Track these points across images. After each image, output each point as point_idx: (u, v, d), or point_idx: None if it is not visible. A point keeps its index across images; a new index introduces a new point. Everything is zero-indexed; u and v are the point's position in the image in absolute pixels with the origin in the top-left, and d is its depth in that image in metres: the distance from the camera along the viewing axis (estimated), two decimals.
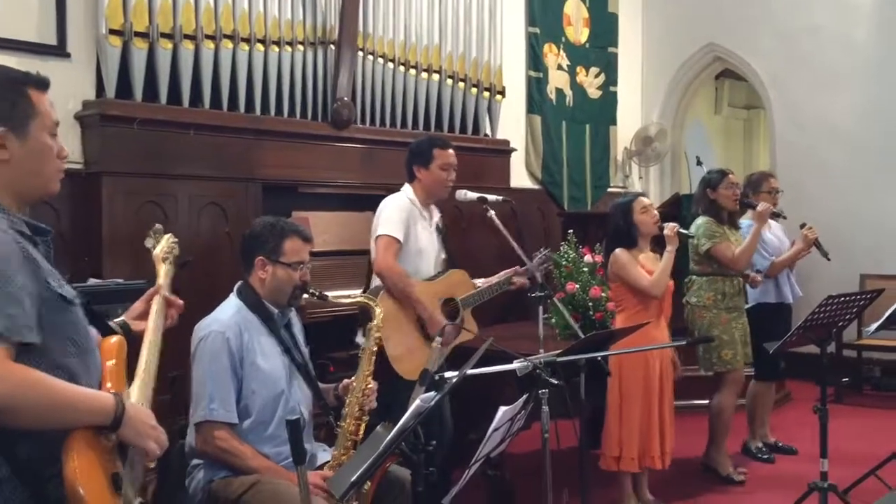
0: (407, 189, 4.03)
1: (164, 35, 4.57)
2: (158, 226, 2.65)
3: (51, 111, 1.88)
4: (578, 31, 7.86)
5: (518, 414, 2.71)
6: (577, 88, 7.84)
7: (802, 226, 5.19)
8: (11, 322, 1.64)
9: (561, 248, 5.13)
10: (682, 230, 4.21)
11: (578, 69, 7.84)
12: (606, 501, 4.31)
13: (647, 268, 4.13)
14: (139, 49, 4.48)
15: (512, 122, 7.05)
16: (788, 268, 5.21)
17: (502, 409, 2.58)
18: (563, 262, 5.05)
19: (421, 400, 2.21)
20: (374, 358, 3.09)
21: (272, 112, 5.11)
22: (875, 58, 7.31)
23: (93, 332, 1.97)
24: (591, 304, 4.89)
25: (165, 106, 4.62)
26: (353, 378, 3.07)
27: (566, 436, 3.27)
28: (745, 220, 5.05)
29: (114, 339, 1.98)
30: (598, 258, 4.97)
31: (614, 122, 8.25)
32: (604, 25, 8.13)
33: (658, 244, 4.26)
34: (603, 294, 4.83)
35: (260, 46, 4.99)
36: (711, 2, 8.20)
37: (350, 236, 5.25)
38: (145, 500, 1.94)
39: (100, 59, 4.47)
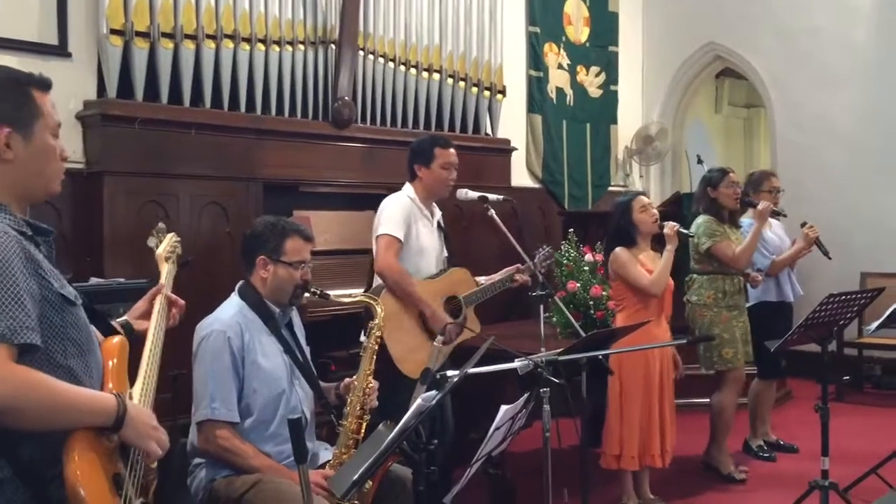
0: (408, 188, 4.03)
1: (165, 35, 4.58)
2: (162, 225, 2.65)
3: (53, 112, 1.88)
4: (579, 31, 7.86)
5: (519, 413, 2.71)
6: (578, 87, 7.84)
7: (803, 225, 5.19)
8: (13, 323, 1.65)
9: (562, 247, 5.13)
10: (681, 229, 4.21)
11: (579, 68, 7.85)
12: (607, 500, 4.32)
13: (648, 266, 4.13)
14: (140, 49, 4.49)
15: (512, 122, 7.05)
16: (789, 266, 5.21)
17: (503, 407, 2.59)
18: (564, 261, 5.05)
19: (422, 399, 2.22)
20: (375, 357, 3.09)
21: (273, 112, 5.11)
22: (874, 58, 7.32)
23: (95, 332, 1.97)
24: (591, 302, 4.89)
25: (166, 106, 4.63)
26: (354, 377, 3.07)
27: (567, 434, 3.27)
28: (746, 219, 5.05)
29: (115, 339, 1.99)
30: (599, 257, 4.97)
31: (615, 121, 8.25)
32: (604, 24, 8.14)
33: (659, 243, 4.26)
34: (604, 293, 4.83)
35: (261, 46, 4.99)
36: (712, 1, 8.20)
37: (351, 235, 5.26)
38: (147, 501, 1.94)
39: (101, 58, 4.48)
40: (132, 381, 2.02)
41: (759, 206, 4.88)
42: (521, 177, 7.14)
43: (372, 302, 3.21)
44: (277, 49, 5.07)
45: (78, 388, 1.76)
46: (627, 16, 8.43)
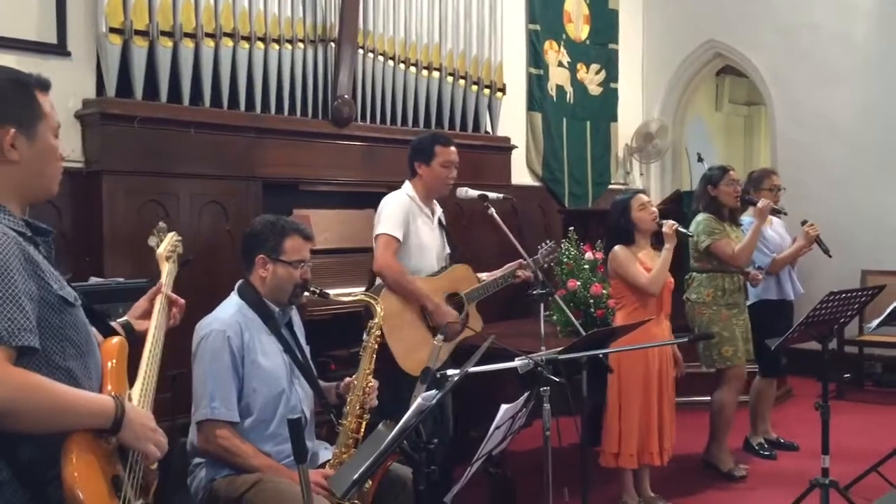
0: (407, 186, 4.03)
1: (164, 33, 4.57)
2: (162, 224, 2.64)
3: (53, 112, 1.89)
4: (579, 28, 7.85)
5: (519, 411, 2.71)
6: (578, 85, 7.83)
7: (804, 223, 5.19)
8: (11, 326, 1.64)
9: (562, 246, 5.13)
10: (680, 228, 4.21)
11: (579, 66, 7.84)
12: (607, 498, 4.32)
13: (647, 265, 4.13)
14: (139, 47, 4.48)
15: (512, 120, 7.04)
16: (790, 264, 5.21)
17: (504, 406, 2.58)
18: (565, 260, 5.05)
19: (422, 398, 2.21)
20: (374, 356, 3.09)
21: (273, 110, 5.10)
22: (875, 55, 7.31)
23: (94, 332, 1.97)
24: (592, 301, 4.90)
25: (166, 104, 4.62)
26: (354, 376, 3.07)
27: (567, 433, 3.27)
28: (747, 217, 5.05)
29: (115, 339, 1.98)
30: (599, 255, 4.98)
31: (615, 119, 8.24)
32: (604, 22, 8.13)
33: (658, 241, 4.26)
34: (604, 291, 4.83)
35: (260, 44, 4.98)
36: None
37: (351, 234, 5.25)
38: (147, 501, 1.94)
39: (100, 57, 4.47)
40: (132, 381, 2.02)
41: (759, 204, 4.88)
42: (521, 175, 7.14)
43: (371, 301, 3.21)
44: (277, 47, 5.06)
45: (76, 391, 1.76)
46: (627, 13, 8.42)
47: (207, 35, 4.74)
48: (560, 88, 7.64)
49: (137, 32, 4.47)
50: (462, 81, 6.29)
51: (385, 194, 4.04)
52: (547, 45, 7.49)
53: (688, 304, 4.87)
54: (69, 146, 4.24)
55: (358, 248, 5.01)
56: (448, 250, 4.16)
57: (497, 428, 2.60)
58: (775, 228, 5.26)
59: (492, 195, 4.09)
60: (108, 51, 4.40)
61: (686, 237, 4.45)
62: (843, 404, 6.38)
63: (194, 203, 4.66)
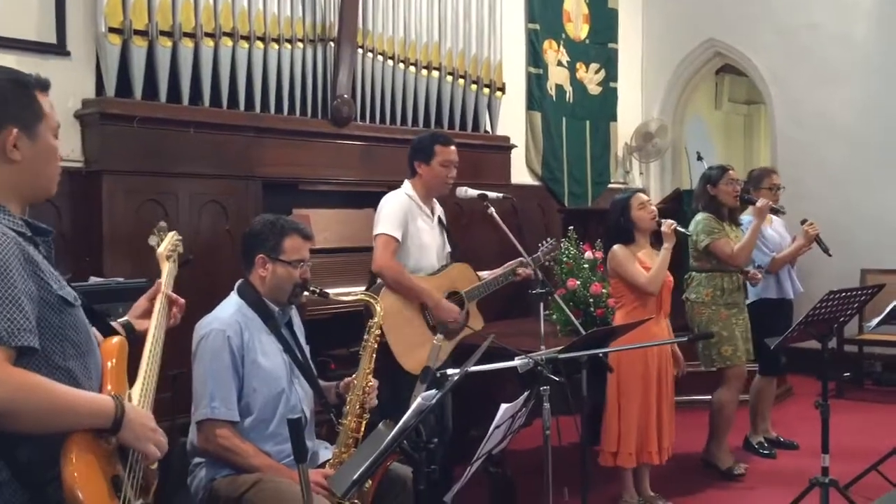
0: (406, 185, 4.03)
1: (163, 33, 4.57)
2: (163, 223, 2.64)
3: (53, 113, 1.89)
4: (578, 28, 7.85)
5: (519, 411, 2.71)
6: (577, 85, 7.83)
7: (803, 222, 5.19)
8: (11, 326, 1.64)
9: (562, 245, 5.13)
10: (679, 228, 4.21)
11: (578, 65, 7.84)
12: (607, 498, 4.32)
13: (646, 264, 4.14)
14: (139, 47, 4.48)
15: (512, 119, 7.04)
16: (790, 263, 5.21)
17: (504, 406, 2.58)
18: (564, 259, 5.05)
19: (422, 398, 2.21)
20: (374, 355, 3.09)
21: (272, 110, 5.10)
22: (874, 54, 7.31)
23: (94, 332, 1.96)
24: (591, 300, 4.90)
25: (165, 104, 4.62)
26: (353, 375, 3.07)
27: (567, 432, 3.27)
28: (746, 216, 5.05)
29: (114, 339, 1.98)
30: (599, 254, 4.97)
31: (614, 118, 8.24)
32: (604, 21, 8.13)
33: (658, 240, 4.26)
34: (604, 290, 4.83)
35: (259, 44, 4.98)
36: None
37: (350, 233, 5.25)
38: (147, 501, 1.94)
39: (99, 57, 4.47)
40: (132, 381, 2.02)
41: (758, 203, 4.88)
42: (520, 174, 7.13)
43: (371, 300, 3.21)
44: (276, 47, 5.06)
45: (76, 391, 1.75)
46: (627, 12, 8.42)
47: (207, 35, 4.74)
48: (559, 88, 7.64)
49: (137, 32, 4.47)
50: (461, 81, 6.29)
51: (384, 194, 4.04)
52: (546, 44, 7.49)
53: (687, 304, 4.87)
54: (69, 146, 4.25)
55: (358, 247, 5.01)
56: (449, 249, 4.16)
57: (497, 427, 2.60)
58: (775, 227, 5.26)
59: (491, 194, 4.09)
60: (107, 51, 4.40)
61: (685, 237, 4.45)
62: (842, 403, 6.38)
63: (194, 203, 4.66)
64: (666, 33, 8.56)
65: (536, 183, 7.42)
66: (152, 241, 2.58)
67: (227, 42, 4.83)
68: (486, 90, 6.51)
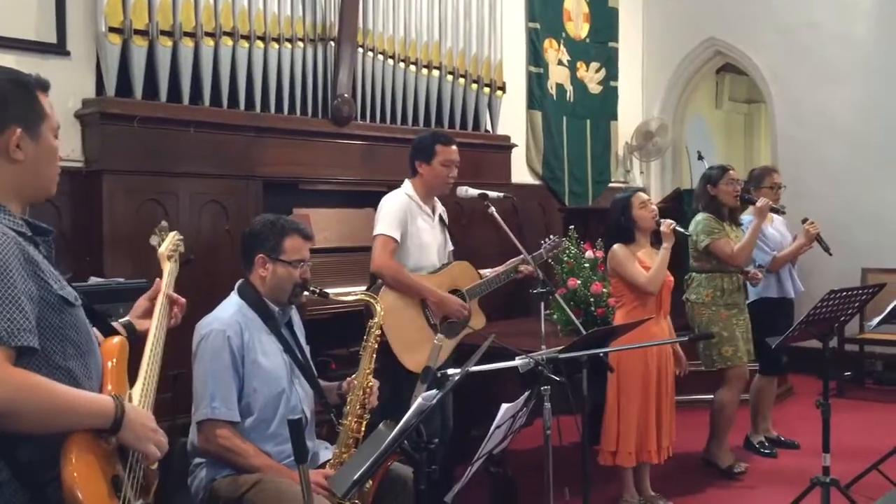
0: (407, 185, 4.03)
1: (163, 33, 4.56)
2: (164, 223, 2.64)
3: (53, 113, 1.89)
4: (579, 27, 7.85)
5: (520, 411, 2.71)
6: (578, 84, 7.83)
7: (804, 221, 5.19)
8: (11, 326, 1.64)
9: (563, 243, 5.12)
10: (678, 228, 4.20)
11: (579, 64, 7.83)
12: (608, 497, 4.32)
13: (646, 263, 4.13)
14: (139, 47, 4.48)
15: (512, 118, 7.04)
16: (791, 262, 5.21)
17: (504, 406, 2.58)
18: (565, 258, 5.05)
19: (423, 398, 2.21)
20: (374, 355, 3.09)
21: (272, 109, 5.10)
22: (874, 53, 7.31)
23: (95, 332, 1.96)
24: (592, 300, 4.89)
25: (165, 104, 4.62)
26: (353, 375, 3.07)
27: (568, 432, 3.27)
28: (747, 216, 5.05)
29: (115, 339, 1.98)
30: (600, 254, 4.97)
31: (615, 118, 8.24)
32: (604, 20, 8.12)
33: (658, 240, 4.26)
34: (604, 290, 4.83)
35: (260, 43, 4.97)
36: None
37: (351, 233, 5.25)
38: (148, 501, 1.94)
39: (99, 57, 4.47)
40: (133, 381, 2.02)
41: (758, 203, 4.87)
42: (521, 173, 7.13)
43: (371, 300, 3.21)
44: (276, 46, 5.06)
45: (76, 391, 1.75)
46: (627, 11, 8.42)
47: (207, 34, 4.74)
48: (560, 87, 7.64)
49: (137, 32, 4.46)
50: (462, 80, 6.29)
51: (385, 193, 4.04)
52: (547, 43, 7.48)
53: (687, 305, 4.87)
54: (69, 146, 4.25)
55: (358, 247, 5.01)
56: (451, 247, 4.16)
57: (498, 427, 2.60)
58: (776, 226, 5.25)
59: (492, 194, 4.08)
60: (107, 50, 4.40)
61: (684, 237, 4.45)
62: (843, 402, 6.37)
63: (194, 202, 4.66)
64: (666, 32, 8.56)
65: (537, 182, 7.42)
66: (153, 240, 2.57)
67: (227, 42, 4.83)
68: (487, 89, 6.51)
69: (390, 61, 5.77)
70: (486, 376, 2.79)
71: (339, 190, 5.49)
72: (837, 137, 7.48)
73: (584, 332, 3.64)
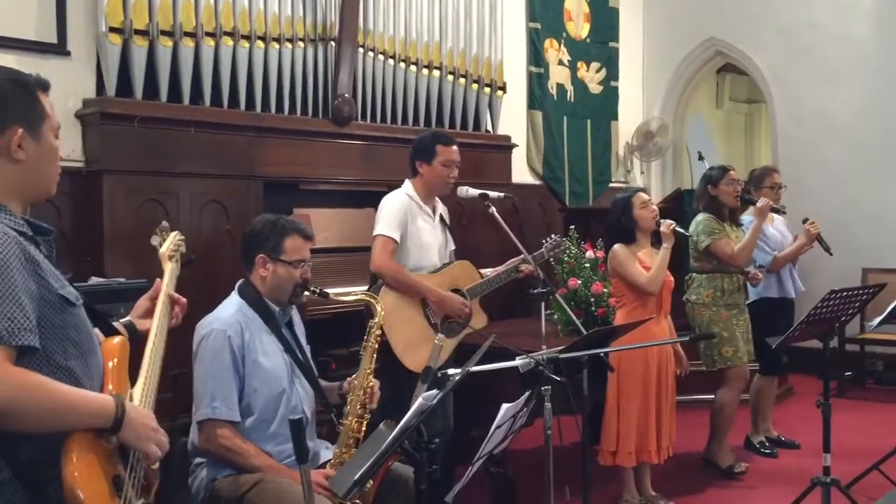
0: (407, 185, 4.03)
1: (164, 33, 4.57)
2: (165, 223, 2.64)
3: (54, 113, 1.89)
4: (579, 27, 7.85)
5: (521, 411, 2.71)
6: (578, 84, 7.83)
7: (805, 221, 5.18)
8: (11, 325, 1.64)
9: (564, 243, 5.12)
10: (678, 228, 4.20)
11: (579, 64, 7.83)
12: (609, 497, 4.32)
13: (646, 263, 4.13)
14: (139, 47, 4.48)
15: (513, 118, 7.04)
16: (791, 262, 5.20)
17: (505, 406, 2.58)
18: (566, 258, 5.05)
19: (423, 398, 2.21)
20: (375, 355, 3.09)
21: (273, 109, 5.10)
22: (875, 53, 7.31)
23: (96, 332, 1.96)
24: (593, 300, 4.89)
25: (166, 104, 4.62)
26: (354, 375, 3.07)
27: (569, 432, 3.27)
28: (747, 217, 5.04)
29: (116, 339, 1.98)
30: (600, 254, 4.97)
31: (615, 118, 8.24)
32: (604, 20, 8.12)
33: (658, 239, 4.26)
34: (605, 290, 4.83)
35: (260, 43, 4.98)
36: None
37: (351, 233, 5.25)
38: (148, 501, 1.94)
39: (100, 57, 4.47)
40: (133, 381, 2.02)
41: (759, 203, 4.87)
42: (521, 173, 7.13)
43: (372, 300, 3.21)
44: (277, 46, 5.06)
45: (77, 390, 1.75)
46: (628, 11, 8.42)
47: (207, 34, 4.74)
48: (560, 87, 7.64)
49: (137, 32, 4.47)
50: (462, 80, 6.29)
51: (385, 193, 4.04)
52: (547, 43, 7.49)
53: (688, 305, 4.87)
54: (69, 146, 4.25)
55: (358, 247, 5.01)
56: (452, 247, 4.16)
57: (498, 427, 2.60)
58: (777, 226, 5.25)
59: (492, 194, 4.08)
60: (107, 50, 4.40)
61: (683, 237, 4.45)
62: (844, 402, 6.37)
63: (194, 202, 4.66)
64: (667, 32, 8.56)
65: (537, 182, 7.42)
66: (155, 241, 2.57)
67: (227, 42, 4.83)
68: (487, 89, 6.51)
69: (391, 61, 5.77)
70: (487, 376, 2.79)
71: (339, 190, 5.50)
72: (838, 137, 7.48)
73: (584, 332, 3.64)
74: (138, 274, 3.97)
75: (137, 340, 2.19)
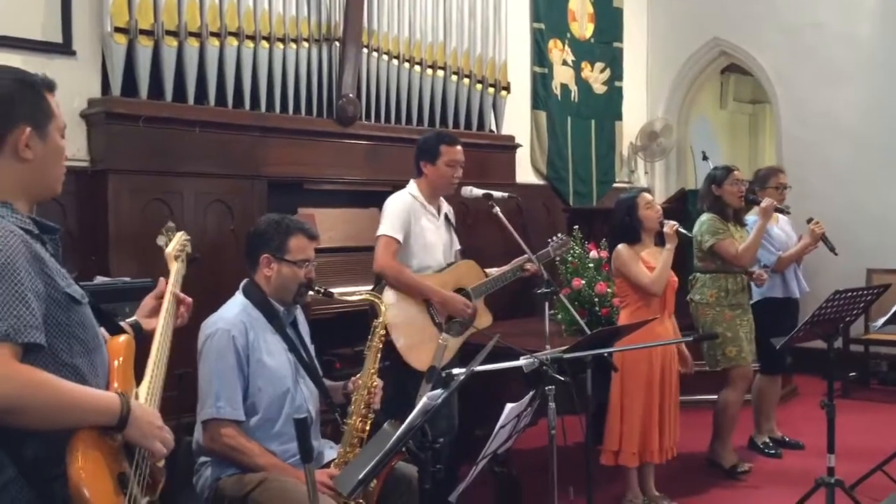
0: (411, 185, 4.03)
1: (169, 33, 4.57)
2: (171, 223, 2.65)
3: (60, 113, 1.90)
4: (583, 27, 7.85)
5: (525, 410, 2.71)
6: (582, 84, 7.82)
7: (809, 221, 5.18)
8: (17, 323, 1.65)
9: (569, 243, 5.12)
10: (681, 229, 4.20)
11: (583, 64, 7.83)
12: (612, 497, 4.32)
13: (650, 263, 4.13)
14: (144, 47, 4.49)
15: (517, 118, 7.04)
16: (796, 263, 5.20)
17: (509, 405, 2.58)
18: (569, 258, 5.04)
19: (428, 397, 2.21)
20: (379, 355, 3.10)
21: (277, 109, 5.11)
22: (879, 53, 7.30)
23: (101, 331, 1.97)
24: (596, 300, 4.89)
25: (171, 103, 4.63)
26: (358, 375, 3.07)
27: (573, 432, 3.27)
28: (751, 217, 5.04)
29: (121, 338, 1.99)
30: (604, 254, 4.96)
31: (619, 118, 8.23)
32: (609, 20, 8.12)
33: (662, 239, 4.26)
34: (609, 290, 4.82)
35: (265, 43, 4.99)
36: None
37: (355, 233, 5.26)
38: (154, 500, 1.94)
39: (105, 56, 4.48)
40: (139, 379, 2.02)
41: (763, 204, 4.86)
42: (525, 173, 7.14)
43: (376, 300, 3.21)
44: (282, 46, 5.07)
45: (82, 388, 1.76)
46: (632, 12, 8.41)
47: (212, 34, 4.75)
48: (564, 87, 7.63)
49: (142, 32, 4.47)
50: (466, 80, 6.29)
51: (390, 193, 4.04)
52: (551, 43, 7.49)
53: (692, 305, 4.87)
54: (74, 145, 4.26)
55: (363, 246, 5.01)
56: (458, 247, 4.16)
57: (502, 427, 2.60)
58: (781, 226, 5.25)
59: (496, 194, 4.09)
60: (113, 50, 4.41)
61: (686, 238, 4.44)
62: (848, 403, 6.36)
63: (199, 202, 4.67)
64: (671, 32, 8.55)
65: (541, 182, 7.42)
66: (160, 241, 2.58)
67: (232, 42, 4.84)
68: (491, 89, 6.51)
69: (395, 61, 5.78)
70: (491, 376, 2.79)
71: (343, 190, 5.50)
72: (842, 138, 7.47)
73: (588, 332, 3.64)
74: (143, 273, 3.98)
75: (143, 340, 2.20)
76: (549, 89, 7.45)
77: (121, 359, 1.93)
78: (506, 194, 4.19)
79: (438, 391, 2.28)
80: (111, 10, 4.39)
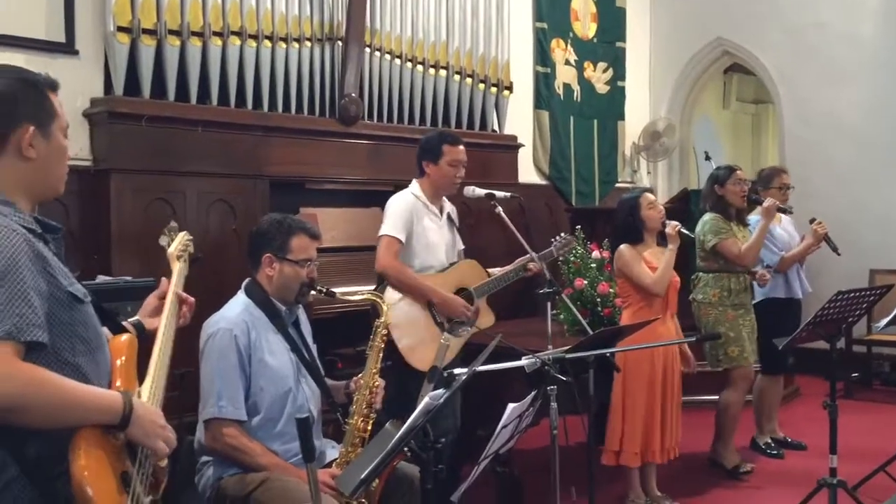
0: (414, 185, 4.03)
1: (171, 32, 4.58)
2: (173, 223, 2.66)
3: (62, 112, 1.90)
4: (586, 26, 7.84)
5: (527, 410, 2.71)
6: (585, 83, 7.82)
7: (812, 221, 5.17)
8: (20, 321, 1.65)
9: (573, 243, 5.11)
10: (682, 230, 4.20)
11: (586, 64, 7.83)
12: (614, 497, 4.32)
13: (653, 264, 4.13)
14: (147, 46, 4.49)
15: (519, 118, 7.03)
16: (798, 263, 5.19)
17: (511, 405, 2.58)
18: (572, 258, 5.04)
19: (430, 397, 2.21)
20: (381, 355, 3.10)
21: (280, 108, 5.11)
22: (881, 53, 7.30)
23: (104, 330, 1.97)
24: (599, 300, 4.88)
25: (173, 103, 4.63)
26: (360, 375, 3.07)
27: (575, 432, 3.27)
28: (754, 217, 5.03)
29: (124, 337, 1.99)
30: (606, 254, 4.96)
31: (622, 118, 8.23)
32: (611, 20, 8.11)
33: (665, 239, 4.25)
34: (611, 290, 4.82)
35: (267, 43, 4.99)
36: None
37: (358, 232, 5.26)
38: (156, 499, 1.94)
39: (108, 56, 4.48)
40: (141, 379, 2.02)
41: (765, 204, 4.86)
42: (528, 173, 7.13)
43: (378, 300, 3.21)
44: (284, 46, 5.07)
45: (84, 386, 1.76)
46: (635, 11, 8.41)
47: (215, 34, 4.75)
48: (567, 87, 7.63)
49: (145, 31, 4.48)
50: (469, 80, 6.29)
51: (392, 193, 4.05)
52: (554, 43, 7.48)
53: (694, 305, 4.86)
54: (77, 145, 4.27)
55: (365, 246, 5.00)
56: (461, 246, 4.16)
57: (504, 427, 2.60)
58: (784, 226, 5.24)
59: (499, 194, 4.09)
60: (115, 49, 4.41)
61: (689, 238, 4.44)
62: (851, 403, 6.35)
63: (201, 201, 4.67)
64: (674, 32, 8.54)
65: (544, 182, 7.41)
66: (163, 241, 2.59)
67: (235, 41, 4.84)
68: (494, 89, 6.51)
69: (397, 61, 5.78)
70: (493, 376, 2.80)
71: (346, 189, 5.50)
72: (845, 137, 7.46)
73: (590, 333, 3.64)
74: (145, 272, 3.98)
75: (146, 339, 2.20)
76: (552, 89, 7.45)
77: (123, 358, 1.93)
78: (508, 194, 4.19)
79: (440, 391, 2.27)
80: (114, 9, 4.39)
